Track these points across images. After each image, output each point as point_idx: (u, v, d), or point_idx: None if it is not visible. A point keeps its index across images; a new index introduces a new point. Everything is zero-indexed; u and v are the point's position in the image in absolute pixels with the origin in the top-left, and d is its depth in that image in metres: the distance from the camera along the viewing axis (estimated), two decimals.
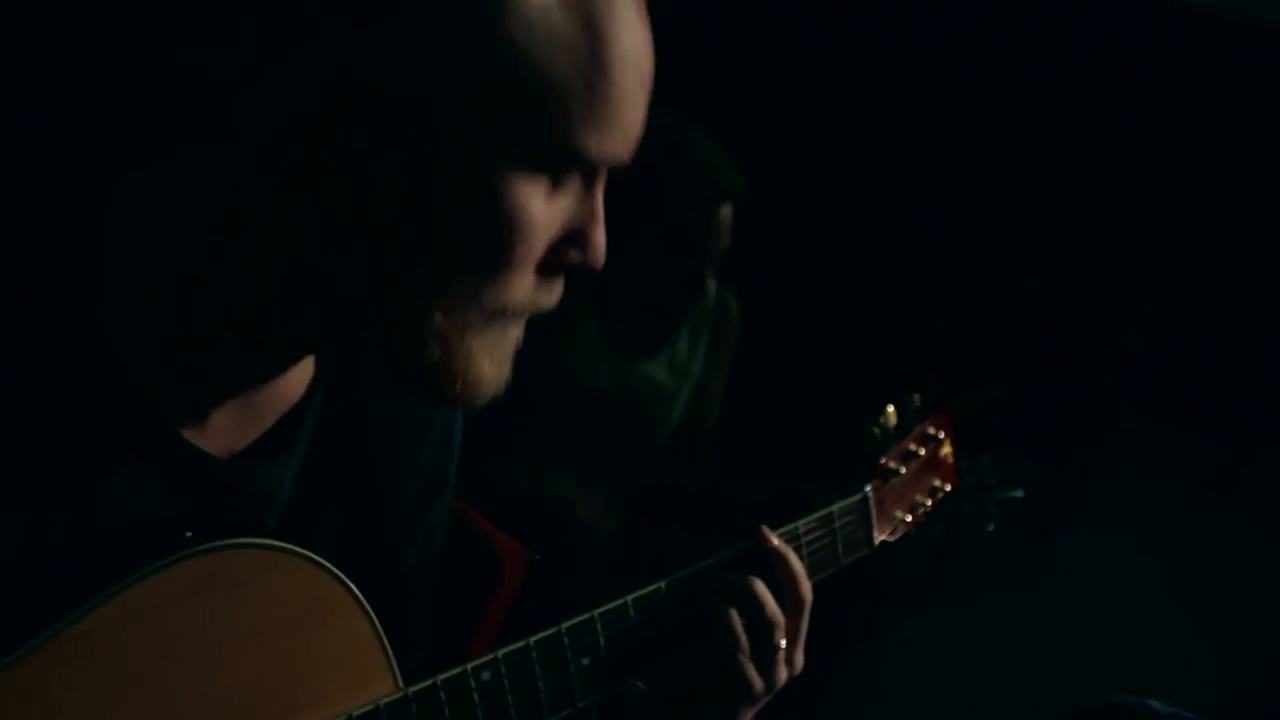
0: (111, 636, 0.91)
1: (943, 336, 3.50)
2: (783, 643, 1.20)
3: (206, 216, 0.93)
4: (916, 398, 1.48)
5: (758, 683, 1.20)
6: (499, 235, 0.93)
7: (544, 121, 0.90)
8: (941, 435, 1.49)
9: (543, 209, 0.94)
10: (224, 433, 1.03)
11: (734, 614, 1.18)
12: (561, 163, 0.93)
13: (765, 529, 1.24)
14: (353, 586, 1.02)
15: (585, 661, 1.14)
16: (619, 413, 2.48)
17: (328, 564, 1.01)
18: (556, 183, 0.94)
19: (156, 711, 0.93)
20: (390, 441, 1.21)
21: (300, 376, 1.09)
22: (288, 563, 0.99)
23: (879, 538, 1.38)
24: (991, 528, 1.62)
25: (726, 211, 2.40)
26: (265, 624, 0.98)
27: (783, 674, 1.22)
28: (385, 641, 1.04)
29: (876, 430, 1.42)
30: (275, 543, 0.98)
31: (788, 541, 1.25)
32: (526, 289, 0.97)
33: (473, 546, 1.54)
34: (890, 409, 1.45)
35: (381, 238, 0.91)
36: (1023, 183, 3.64)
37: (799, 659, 1.23)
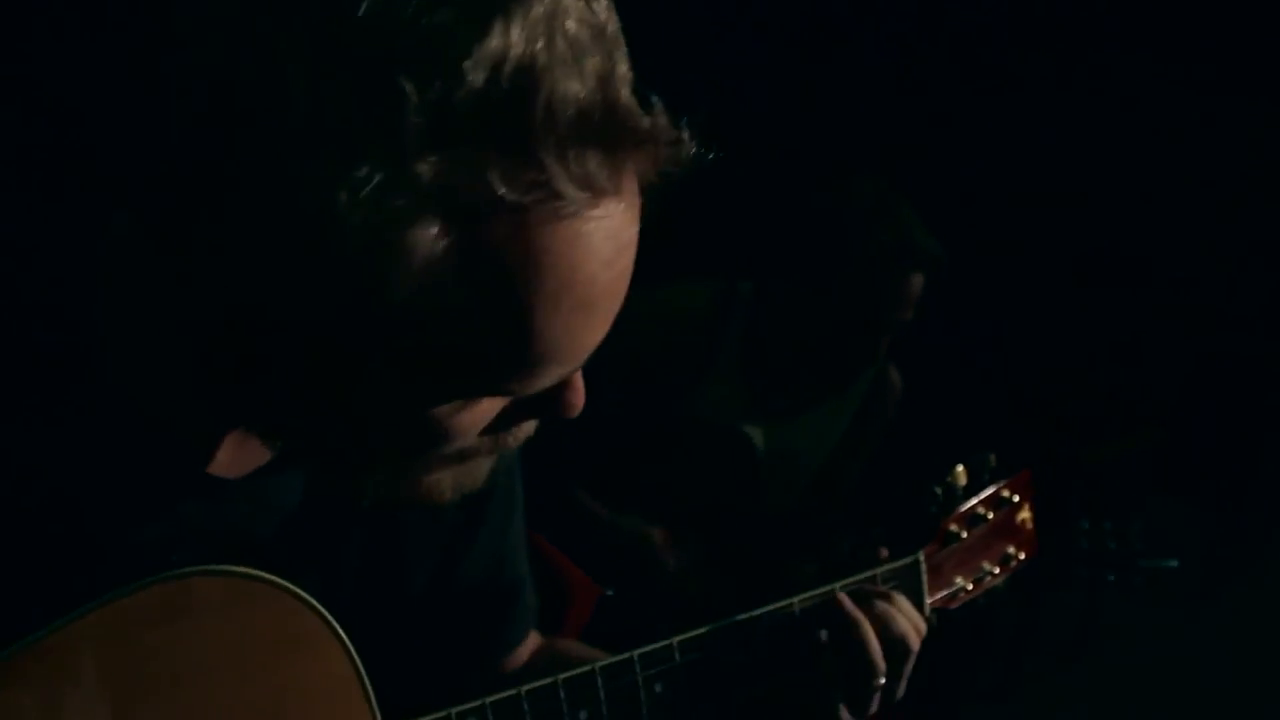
0: (75, 656, 0.92)
1: (1081, 379, 3.28)
2: (881, 680, 1.19)
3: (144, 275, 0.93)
4: (992, 458, 1.39)
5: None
6: (418, 438, 0.89)
7: (455, 372, 0.83)
8: (1017, 499, 1.39)
9: (463, 418, 0.88)
10: (240, 456, 1.04)
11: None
12: (486, 395, 0.88)
13: (842, 595, 1.21)
14: (333, 621, 1.01)
15: (583, 715, 1.10)
16: (739, 467, 2.43)
17: (308, 597, 1.00)
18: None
19: None
20: None
21: None
22: (266, 593, 0.98)
23: (931, 604, 1.30)
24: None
25: (919, 280, 2.27)
26: (238, 654, 0.97)
27: (874, 708, 1.21)
28: (365, 680, 1.02)
29: (939, 490, 1.34)
30: (253, 571, 0.98)
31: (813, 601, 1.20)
32: (475, 445, 0.94)
33: (542, 577, 1.53)
34: (960, 469, 1.36)
35: (304, 420, 0.90)
36: (1175, 205, 3.36)
37: (898, 696, 1.23)
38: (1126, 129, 3.23)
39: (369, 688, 1.02)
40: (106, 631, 0.93)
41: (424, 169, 0.72)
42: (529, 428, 0.97)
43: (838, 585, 1.21)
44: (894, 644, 1.19)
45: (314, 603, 1.00)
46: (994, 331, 3.21)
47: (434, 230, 0.74)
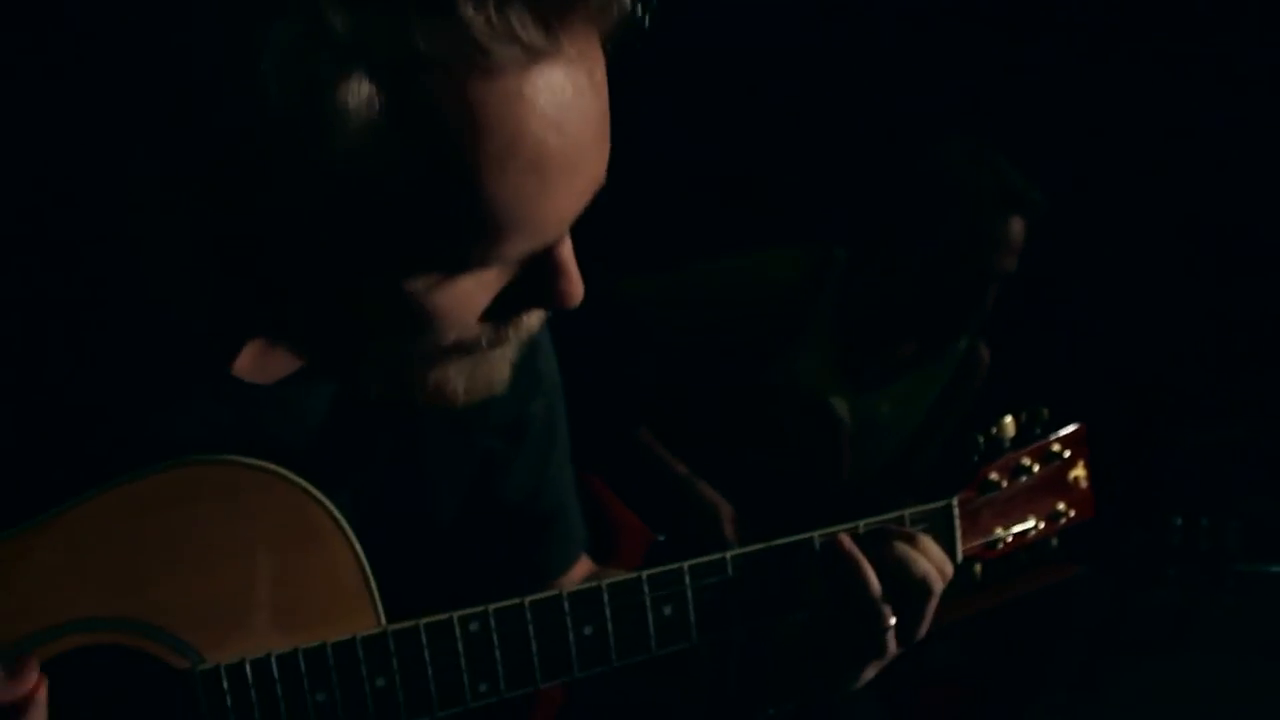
0: (91, 531, 0.98)
1: (1186, 364, 3.12)
2: (892, 620, 1.18)
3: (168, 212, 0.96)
4: (1045, 411, 1.35)
5: (865, 651, 1.20)
6: (403, 320, 0.91)
7: (414, 237, 0.84)
8: (1069, 455, 1.35)
9: (447, 295, 0.89)
10: (266, 362, 1.07)
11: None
12: (455, 270, 0.88)
13: (842, 536, 1.19)
14: (340, 518, 1.04)
15: (587, 630, 1.10)
16: (821, 434, 2.40)
17: (316, 492, 1.03)
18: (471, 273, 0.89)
19: (134, 603, 0.99)
20: None
21: None
22: (278, 485, 1.02)
23: (965, 551, 1.27)
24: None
25: (1020, 226, 2.26)
26: (251, 541, 1.02)
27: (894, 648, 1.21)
28: (369, 577, 1.05)
29: (982, 439, 1.30)
30: (267, 465, 1.02)
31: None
32: (474, 335, 0.95)
33: (593, 518, 1.54)
34: (1008, 419, 1.33)
35: (292, 303, 0.94)
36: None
37: (920, 635, 1.22)
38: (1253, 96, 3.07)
39: (373, 586, 1.05)
40: (122, 510, 0.98)
41: (339, 22, 0.73)
42: (531, 320, 0.98)
43: (861, 524, 1.20)
44: (914, 585, 1.17)
45: (322, 498, 1.03)
46: (1092, 308, 3.10)
47: (364, 89, 0.75)
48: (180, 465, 1.00)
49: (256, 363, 1.07)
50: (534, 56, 0.78)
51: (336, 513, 1.04)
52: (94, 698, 1.00)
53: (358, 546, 1.04)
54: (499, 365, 1.01)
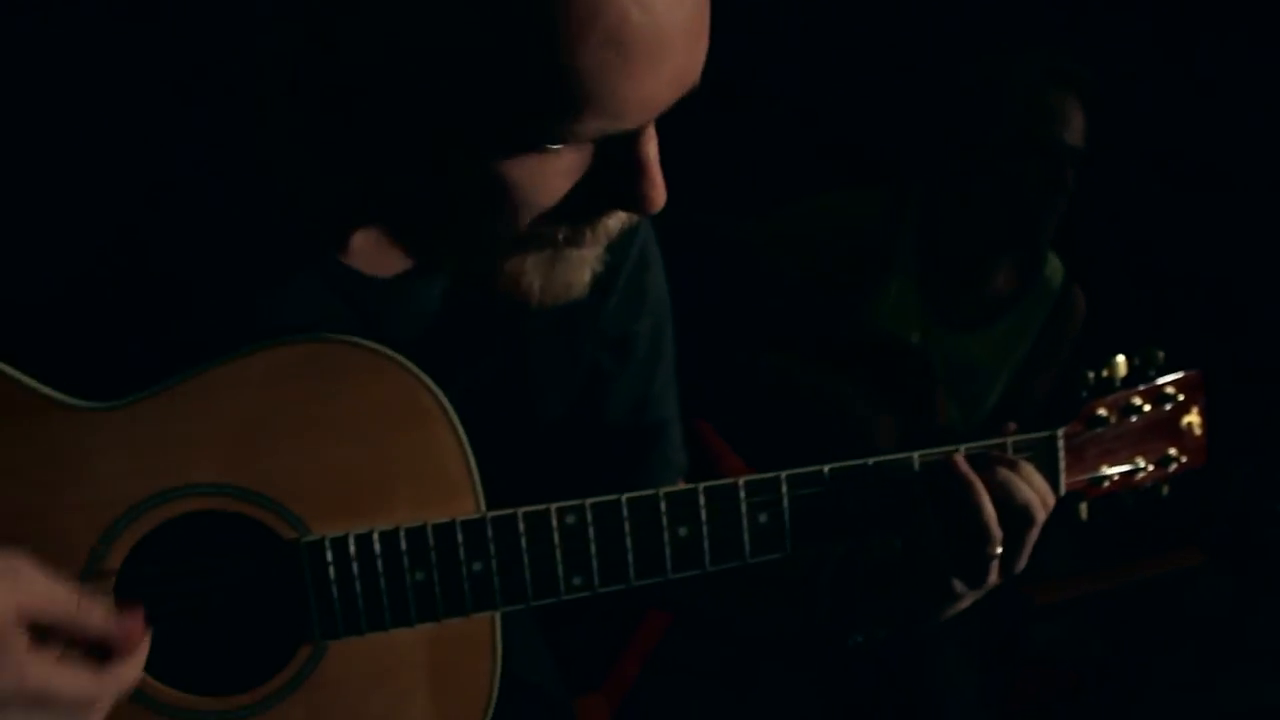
0: (223, 395, 1.02)
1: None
2: (999, 549, 1.17)
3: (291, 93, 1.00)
4: (1160, 354, 1.32)
5: (958, 583, 1.18)
6: (482, 199, 0.92)
7: (507, 111, 0.85)
8: (1183, 399, 1.32)
9: (529, 174, 0.90)
10: (382, 255, 1.11)
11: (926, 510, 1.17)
12: (541, 141, 0.89)
13: (957, 456, 1.19)
14: (448, 405, 1.07)
15: (683, 532, 1.12)
16: (918, 378, 2.38)
17: (426, 377, 1.06)
18: (543, 149, 0.90)
19: (248, 472, 1.03)
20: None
21: None
22: (391, 368, 1.06)
23: (1067, 484, 1.25)
24: None
25: (1076, 108, 2.27)
26: (361, 420, 1.06)
27: (995, 578, 1.19)
28: (472, 465, 1.08)
29: (1091, 375, 1.28)
30: (381, 348, 1.05)
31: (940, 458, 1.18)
32: (545, 229, 0.96)
33: (700, 463, 1.55)
34: (1120, 359, 1.30)
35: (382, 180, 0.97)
36: None
37: (1018, 568, 1.20)
38: None
39: (475, 473, 1.08)
40: (241, 382, 1.03)
41: None
42: (610, 224, 0.98)
43: (962, 447, 1.19)
44: (1015, 512, 1.16)
45: (431, 384, 1.06)
46: (1203, 251, 2.98)
47: None
48: (298, 342, 1.04)
49: (372, 255, 1.10)
50: None
51: (444, 399, 1.07)
52: (205, 561, 1.05)
53: (463, 434, 1.07)
54: (578, 268, 1.02)
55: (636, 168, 0.92)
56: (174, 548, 1.03)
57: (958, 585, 1.18)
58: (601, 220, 0.97)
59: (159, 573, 1.04)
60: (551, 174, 0.91)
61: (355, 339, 1.04)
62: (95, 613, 0.94)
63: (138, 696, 1.03)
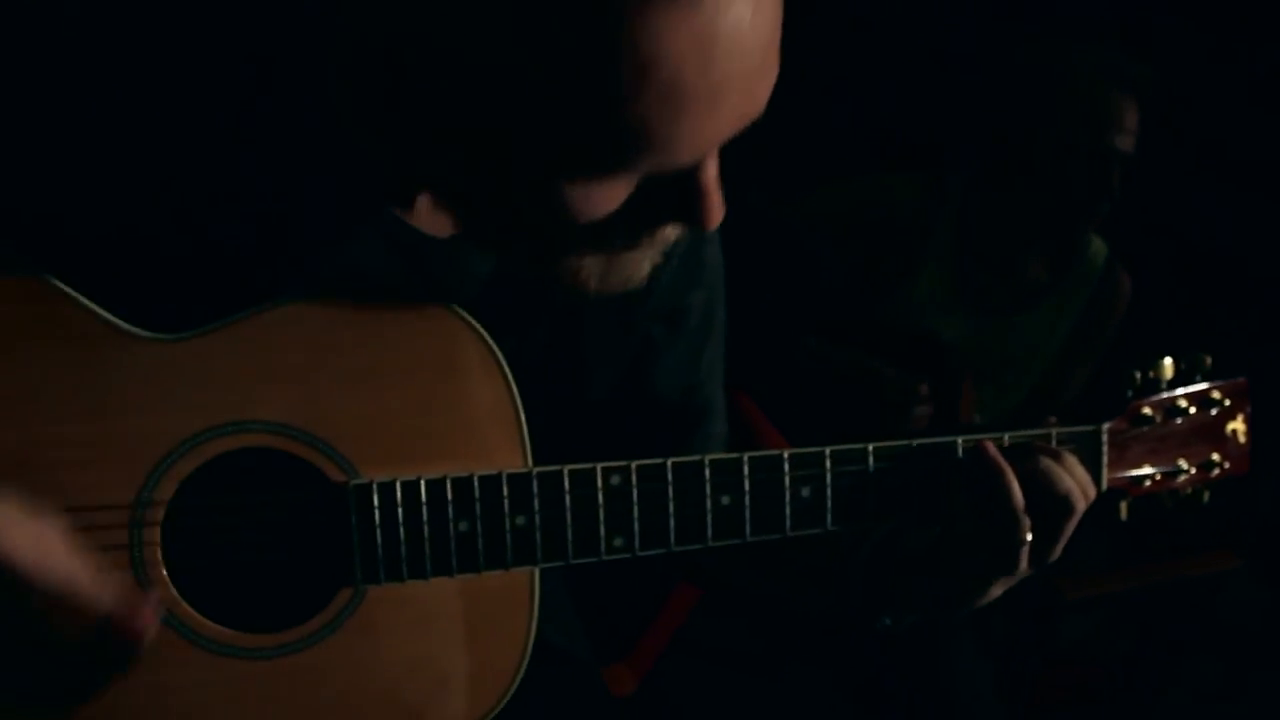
0: (283, 335, 1.04)
1: None
2: (1028, 536, 1.16)
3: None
4: (1208, 359, 1.32)
5: (997, 563, 1.17)
6: (546, 214, 0.93)
7: (575, 145, 0.87)
8: (1229, 404, 1.32)
9: (593, 196, 0.91)
10: (442, 215, 1.12)
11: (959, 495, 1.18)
12: (607, 172, 0.90)
13: (987, 443, 1.19)
14: (502, 359, 1.08)
15: (725, 500, 1.12)
16: (946, 375, 2.37)
17: (481, 329, 1.07)
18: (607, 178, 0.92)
19: (303, 412, 1.04)
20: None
21: None
22: (448, 319, 1.07)
23: (1109, 480, 1.25)
24: None
25: (1131, 104, 2.26)
26: (415, 368, 1.07)
27: (1025, 566, 1.18)
28: (522, 420, 1.09)
29: (1138, 374, 1.28)
30: (443, 302, 1.06)
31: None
32: (612, 235, 0.97)
33: (739, 435, 1.55)
34: (1167, 361, 1.30)
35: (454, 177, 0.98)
36: None
37: (1054, 556, 1.20)
38: None
39: (524, 428, 1.09)
40: (301, 323, 1.05)
41: None
42: (669, 233, 1.00)
43: (1006, 435, 1.19)
44: (1055, 501, 1.16)
45: (487, 336, 1.07)
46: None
47: None
48: (359, 290, 1.05)
49: (431, 215, 1.12)
50: None
51: (500, 354, 1.08)
52: (254, 498, 1.06)
53: (515, 389, 1.08)
54: (637, 264, 1.03)
55: (695, 190, 0.93)
56: (224, 483, 1.05)
57: (988, 572, 1.19)
58: (659, 230, 0.98)
59: (208, 506, 1.05)
60: (608, 194, 0.92)
61: (413, 294, 1.05)
62: (111, 592, 0.93)
63: (178, 627, 1.05)
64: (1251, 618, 2.69)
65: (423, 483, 1.06)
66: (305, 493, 1.06)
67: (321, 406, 1.05)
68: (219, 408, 1.03)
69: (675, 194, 0.93)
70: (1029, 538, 1.15)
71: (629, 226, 0.96)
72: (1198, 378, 1.32)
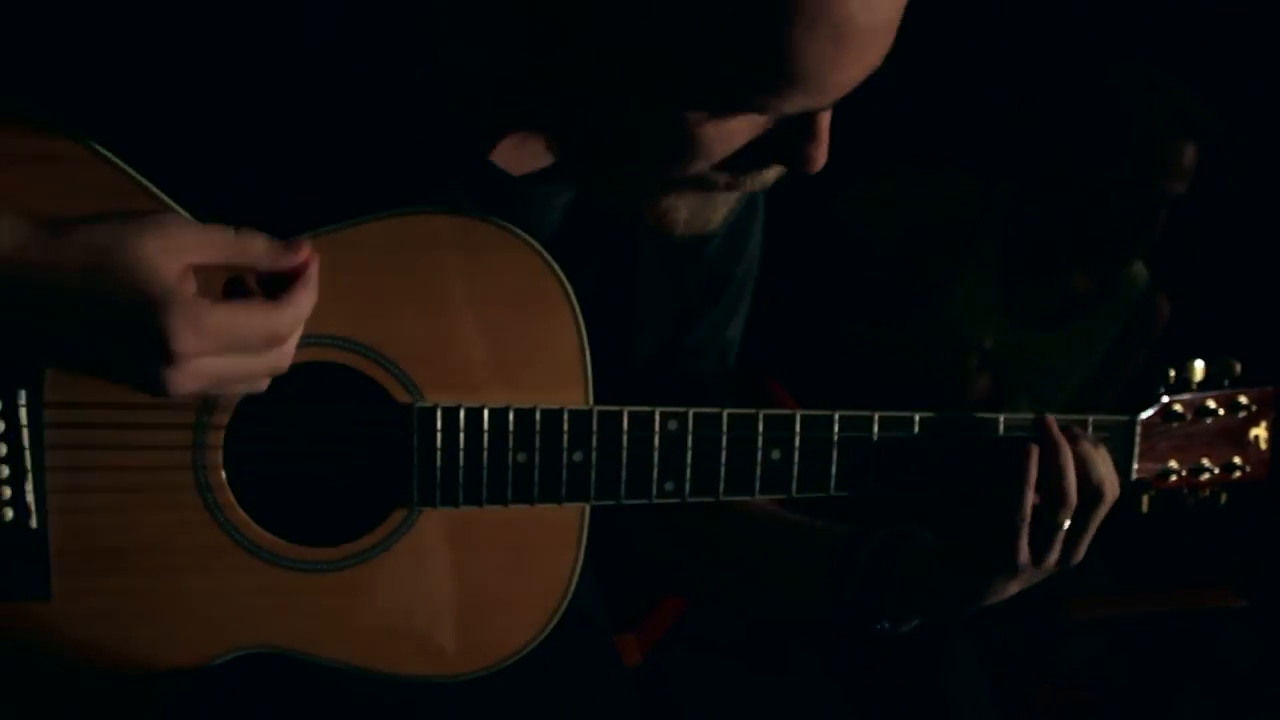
0: (360, 254, 1.05)
1: None
2: (1066, 522, 1.17)
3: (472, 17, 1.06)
4: (1237, 365, 1.36)
5: (1024, 552, 1.17)
6: (667, 148, 0.97)
7: (714, 77, 0.91)
8: (1255, 409, 1.35)
9: (715, 133, 0.95)
10: (515, 155, 1.14)
11: (1031, 471, 1.17)
12: (735, 110, 0.94)
13: (1050, 417, 1.21)
14: (573, 295, 1.10)
15: (775, 455, 1.15)
16: (991, 371, 2.40)
17: (555, 264, 1.09)
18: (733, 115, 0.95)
19: (374, 330, 1.06)
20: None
21: None
22: (524, 251, 1.09)
23: (1138, 471, 1.28)
24: None
25: (1191, 151, 2.27)
26: (487, 296, 1.09)
27: (1054, 559, 1.19)
28: (587, 357, 1.11)
29: (1172, 372, 1.32)
30: (520, 232, 1.09)
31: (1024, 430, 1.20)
32: (711, 176, 1.01)
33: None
34: (1198, 364, 1.34)
35: (575, 110, 1.00)
36: None
37: (1078, 553, 1.20)
38: None
39: (589, 366, 1.11)
40: (378, 243, 1.06)
41: None
42: (769, 175, 1.04)
43: (1049, 415, 1.22)
44: (1090, 487, 1.18)
45: (559, 271, 1.09)
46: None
47: None
48: (440, 212, 1.07)
49: (511, 153, 1.14)
50: None
51: (570, 289, 1.10)
52: (318, 411, 1.08)
53: (582, 325, 1.10)
54: (720, 207, 1.08)
55: (811, 133, 0.97)
56: (288, 395, 1.07)
57: (1021, 559, 1.18)
58: (762, 172, 1.02)
59: (271, 416, 1.07)
60: (736, 133, 0.96)
61: (493, 218, 1.08)
62: (257, 244, 0.95)
63: (235, 535, 1.06)
64: (1249, 660, 2.71)
65: (486, 411, 1.07)
66: (369, 410, 1.08)
67: (392, 326, 1.07)
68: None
69: (786, 139, 0.97)
70: (1068, 522, 1.18)
71: (734, 169, 1.00)
72: (1226, 382, 1.35)
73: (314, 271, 0.97)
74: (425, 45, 1.05)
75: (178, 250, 0.89)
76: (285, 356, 0.96)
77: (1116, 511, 1.24)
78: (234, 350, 0.92)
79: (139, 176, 1.00)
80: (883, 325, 2.38)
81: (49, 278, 0.87)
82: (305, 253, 0.96)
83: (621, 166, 1.04)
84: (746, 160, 1.00)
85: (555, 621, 1.14)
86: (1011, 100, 2.61)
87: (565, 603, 1.14)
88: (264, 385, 0.98)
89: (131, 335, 0.89)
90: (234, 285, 0.95)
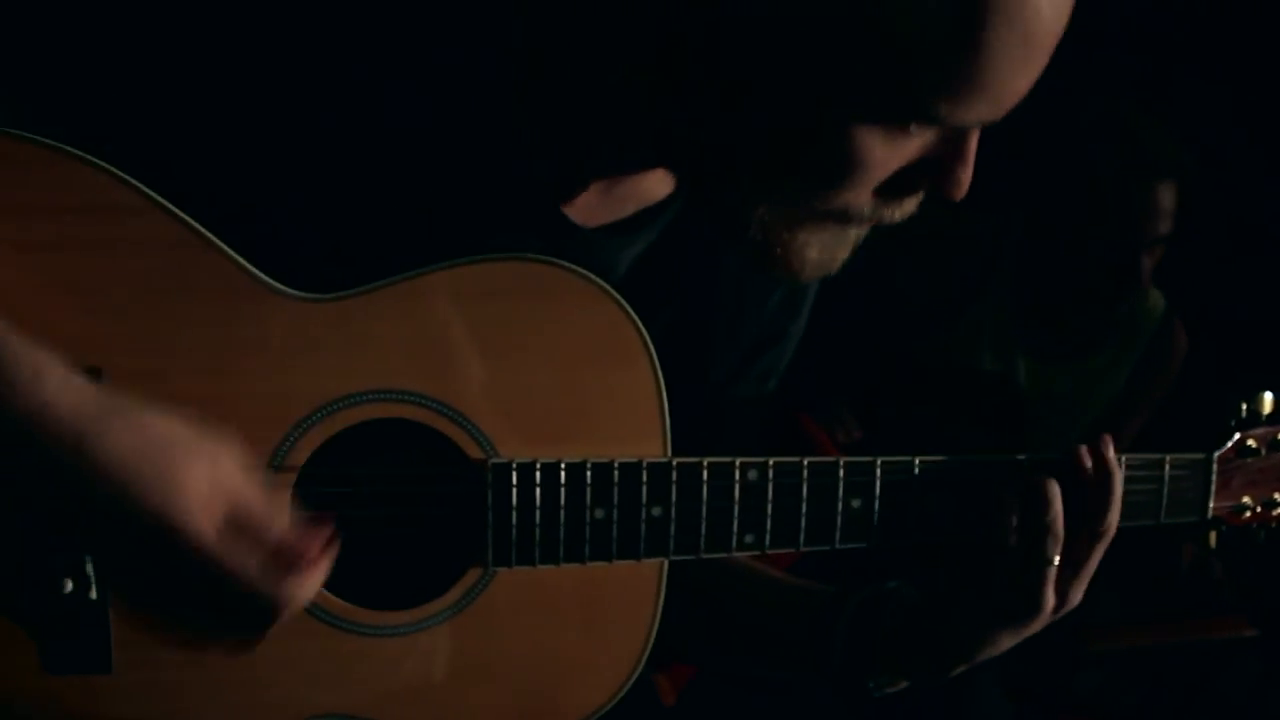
0: (430, 303, 1.01)
1: None
2: (1055, 558, 1.11)
3: (589, 53, 1.02)
4: None
5: (1016, 595, 1.13)
6: (832, 167, 0.95)
7: (897, 82, 0.88)
8: None
9: (882, 150, 0.93)
10: (588, 208, 1.10)
11: (1013, 505, 1.12)
12: (913, 119, 0.92)
13: (1082, 446, 1.17)
14: (650, 344, 1.06)
15: (856, 503, 1.11)
16: (1002, 404, 2.40)
17: (633, 313, 1.05)
18: (906, 128, 0.93)
19: (446, 385, 1.02)
20: (738, 272, 1.23)
21: (662, 184, 1.15)
22: (601, 300, 1.04)
23: (1214, 508, 1.25)
24: None
25: (1168, 194, 2.28)
26: (563, 347, 1.04)
27: (1049, 600, 1.13)
28: (665, 407, 1.07)
29: (1244, 406, 1.29)
30: (597, 280, 1.04)
31: None
32: (862, 203, 0.99)
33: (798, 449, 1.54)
34: (1268, 396, 1.31)
35: (727, 134, 0.96)
36: None
37: (1075, 594, 1.15)
38: None
39: (667, 416, 1.07)
40: (450, 292, 1.02)
41: None
42: (910, 204, 1.01)
43: (1124, 457, 1.19)
44: (1093, 514, 1.13)
45: (638, 321, 1.05)
46: None
47: None
48: (511, 259, 1.03)
49: (585, 204, 1.10)
50: None
51: (648, 338, 1.06)
52: (388, 470, 1.03)
53: (660, 375, 1.06)
54: (846, 247, 1.05)
55: (961, 154, 0.95)
56: (359, 452, 1.02)
57: (1015, 592, 1.13)
58: (904, 201, 1.00)
59: (341, 475, 1.02)
60: (899, 154, 0.94)
61: (570, 265, 1.03)
62: (283, 517, 0.93)
63: None
64: (1258, 688, 2.70)
65: (563, 466, 1.03)
66: (442, 468, 1.03)
67: (464, 379, 1.02)
68: (360, 374, 1.00)
69: (934, 165, 0.96)
70: (1055, 558, 1.12)
71: (882, 198, 0.98)
72: None
73: (327, 562, 0.92)
74: (508, 92, 1.01)
75: (217, 487, 0.87)
76: (258, 623, 0.91)
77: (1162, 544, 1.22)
78: (220, 592, 0.87)
79: (203, 230, 0.96)
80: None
81: (89, 454, 0.84)
82: (321, 541, 0.91)
83: (771, 196, 0.99)
84: (895, 187, 0.98)
85: (634, 680, 1.10)
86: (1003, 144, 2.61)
87: (644, 660, 1.10)
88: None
89: (142, 549, 0.86)
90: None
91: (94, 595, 0.96)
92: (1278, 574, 2.55)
